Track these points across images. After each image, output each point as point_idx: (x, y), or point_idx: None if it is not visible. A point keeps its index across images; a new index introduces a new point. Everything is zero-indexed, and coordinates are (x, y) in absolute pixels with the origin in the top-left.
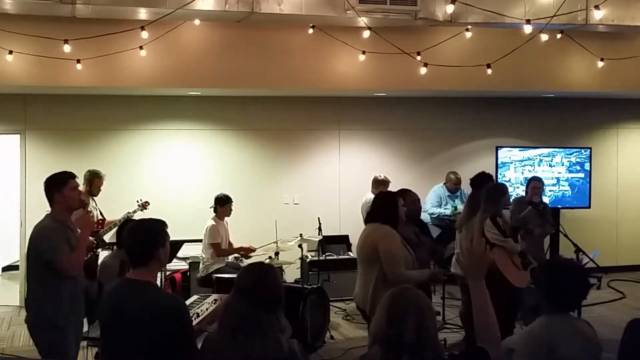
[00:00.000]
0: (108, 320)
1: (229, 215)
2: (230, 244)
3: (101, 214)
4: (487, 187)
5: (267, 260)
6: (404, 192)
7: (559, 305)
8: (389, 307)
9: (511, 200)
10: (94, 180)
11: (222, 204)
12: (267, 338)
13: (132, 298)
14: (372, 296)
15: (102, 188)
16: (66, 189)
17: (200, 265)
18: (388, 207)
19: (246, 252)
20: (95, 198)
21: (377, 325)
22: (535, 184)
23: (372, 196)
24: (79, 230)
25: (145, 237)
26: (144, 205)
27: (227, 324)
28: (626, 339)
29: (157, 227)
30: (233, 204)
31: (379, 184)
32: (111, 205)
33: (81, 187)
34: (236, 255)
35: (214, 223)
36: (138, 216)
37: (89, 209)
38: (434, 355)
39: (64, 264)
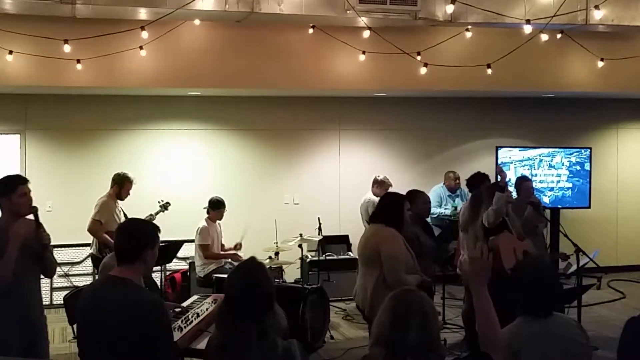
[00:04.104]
0: (84, 318)
1: (220, 219)
2: (222, 246)
3: (125, 216)
4: (484, 186)
5: (267, 261)
6: (415, 193)
7: (528, 309)
8: (393, 308)
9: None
10: (125, 184)
11: (214, 208)
12: (263, 345)
13: (109, 295)
14: (371, 297)
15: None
16: (14, 195)
17: (197, 267)
18: (394, 209)
19: (232, 259)
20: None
21: (380, 326)
22: (528, 185)
23: (371, 196)
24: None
25: (136, 236)
26: (165, 206)
27: (225, 335)
28: (624, 338)
29: (149, 228)
30: (226, 209)
31: (379, 185)
32: None
33: (110, 190)
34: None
35: (205, 224)
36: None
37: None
38: (437, 356)
39: None
